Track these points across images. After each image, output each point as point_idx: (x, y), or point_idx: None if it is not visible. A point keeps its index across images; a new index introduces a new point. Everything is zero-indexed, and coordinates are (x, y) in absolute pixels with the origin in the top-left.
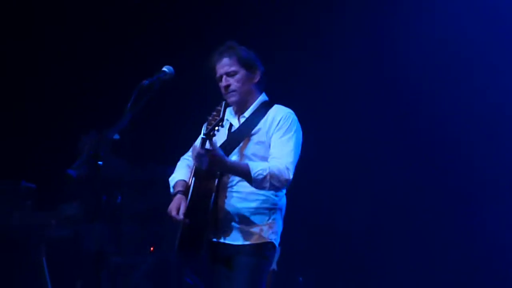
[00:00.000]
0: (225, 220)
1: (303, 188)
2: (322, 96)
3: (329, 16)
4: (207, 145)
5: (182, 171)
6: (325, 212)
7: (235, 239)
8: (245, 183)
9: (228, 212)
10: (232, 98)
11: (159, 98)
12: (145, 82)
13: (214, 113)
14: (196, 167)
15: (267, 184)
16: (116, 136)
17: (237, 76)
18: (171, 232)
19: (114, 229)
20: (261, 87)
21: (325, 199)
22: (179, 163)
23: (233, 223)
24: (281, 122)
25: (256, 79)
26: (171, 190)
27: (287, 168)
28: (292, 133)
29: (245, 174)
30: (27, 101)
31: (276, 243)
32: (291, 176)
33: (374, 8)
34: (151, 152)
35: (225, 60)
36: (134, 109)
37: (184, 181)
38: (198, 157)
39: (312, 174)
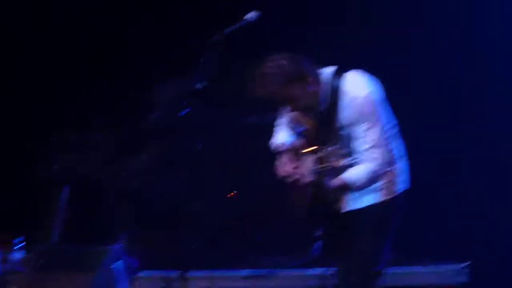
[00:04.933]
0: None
1: None
2: None
3: None
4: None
5: (279, 136)
6: None
7: (361, 203)
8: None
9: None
10: (303, 112)
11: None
12: (227, 31)
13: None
14: None
15: (371, 182)
16: (199, 85)
17: (294, 95)
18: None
19: (195, 176)
20: (315, 73)
21: None
22: (276, 131)
23: (356, 194)
24: (360, 111)
25: (310, 79)
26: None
27: (379, 163)
28: (375, 118)
29: (346, 188)
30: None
31: (405, 188)
32: (385, 161)
33: None
34: (236, 99)
35: (272, 89)
36: (216, 58)
37: (282, 143)
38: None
39: None
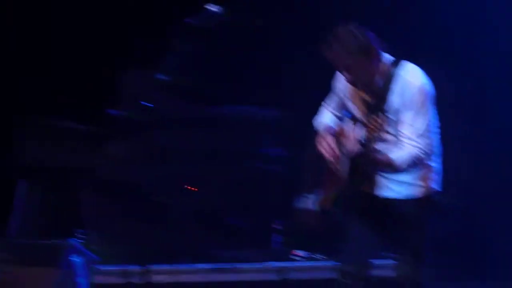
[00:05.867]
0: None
1: None
2: None
3: None
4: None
5: (326, 117)
6: None
7: (398, 194)
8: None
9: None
10: (359, 86)
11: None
12: (191, 20)
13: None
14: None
15: (410, 167)
16: (163, 77)
17: (358, 66)
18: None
19: (161, 169)
20: (380, 53)
21: None
22: (322, 111)
23: (392, 182)
24: (412, 99)
25: (375, 57)
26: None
27: (421, 151)
28: (424, 109)
29: (387, 166)
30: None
31: (438, 189)
32: (425, 155)
33: None
34: (206, 92)
35: (340, 54)
36: (183, 49)
37: (329, 126)
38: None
39: None
